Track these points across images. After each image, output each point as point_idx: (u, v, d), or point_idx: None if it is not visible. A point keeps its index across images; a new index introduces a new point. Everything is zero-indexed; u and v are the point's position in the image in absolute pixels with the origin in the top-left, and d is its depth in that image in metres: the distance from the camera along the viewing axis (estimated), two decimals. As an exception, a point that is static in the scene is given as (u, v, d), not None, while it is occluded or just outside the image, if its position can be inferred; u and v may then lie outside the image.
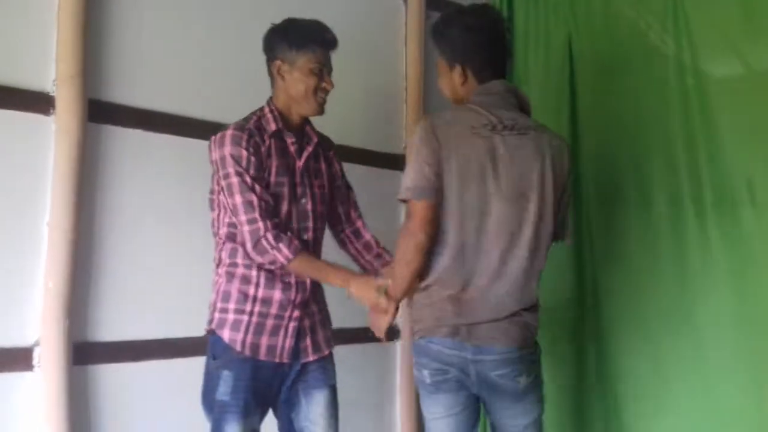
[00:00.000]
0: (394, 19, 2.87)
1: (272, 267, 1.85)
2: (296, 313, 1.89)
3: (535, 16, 3.07)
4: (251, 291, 1.86)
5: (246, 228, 1.80)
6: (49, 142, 1.97)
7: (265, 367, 1.85)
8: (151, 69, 2.20)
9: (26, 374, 1.92)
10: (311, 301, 1.94)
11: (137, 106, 2.16)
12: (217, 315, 1.86)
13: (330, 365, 1.98)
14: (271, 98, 1.96)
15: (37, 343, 1.93)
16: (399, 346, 2.77)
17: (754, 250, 2.34)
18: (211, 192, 1.92)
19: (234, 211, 1.82)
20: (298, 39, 1.92)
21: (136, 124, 2.15)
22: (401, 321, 2.76)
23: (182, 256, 2.23)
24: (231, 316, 1.84)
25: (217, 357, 1.84)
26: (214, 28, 2.35)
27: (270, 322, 1.86)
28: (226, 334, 1.83)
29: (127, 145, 2.14)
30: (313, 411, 1.91)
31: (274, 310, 1.87)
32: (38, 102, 1.96)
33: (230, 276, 1.87)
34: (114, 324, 2.08)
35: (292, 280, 1.89)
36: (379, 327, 1.93)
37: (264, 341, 1.85)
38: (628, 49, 2.73)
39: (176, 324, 2.20)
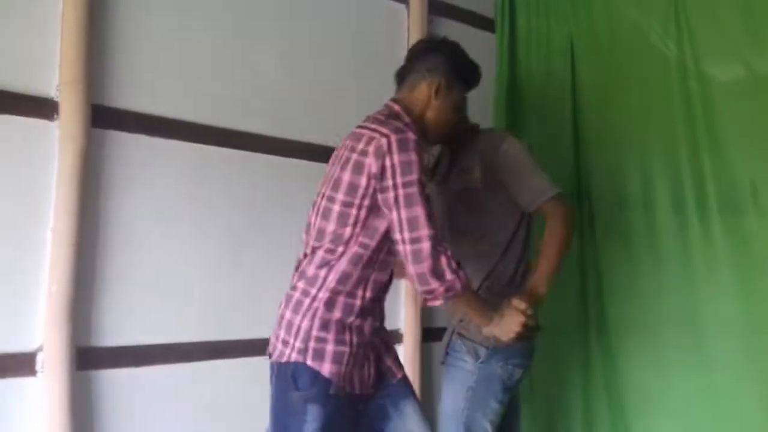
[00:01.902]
0: (395, 23, 2.87)
1: (427, 296, 1.70)
2: (377, 340, 1.83)
3: (537, 18, 3.07)
4: (350, 320, 1.72)
5: (426, 244, 1.63)
6: (52, 147, 1.97)
7: (355, 398, 1.75)
8: (156, 74, 2.20)
9: (29, 379, 1.92)
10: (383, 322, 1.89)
11: (141, 111, 2.16)
12: (312, 345, 1.68)
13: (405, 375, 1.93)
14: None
15: (40, 349, 1.93)
16: (402, 350, 2.77)
17: (758, 253, 2.34)
18: (347, 204, 1.71)
19: (410, 225, 1.64)
20: None
21: (141, 129, 2.15)
22: (403, 325, 2.77)
23: (186, 261, 2.22)
24: (331, 347, 1.69)
25: (303, 389, 1.67)
26: (219, 33, 2.35)
27: (361, 352, 1.76)
28: (326, 368, 1.67)
29: (132, 150, 2.13)
30: (408, 422, 1.84)
31: (365, 338, 1.76)
32: (42, 107, 1.96)
33: (331, 304, 1.71)
34: (118, 329, 2.08)
35: (378, 307, 1.82)
36: (514, 329, 1.85)
37: (356, 373, 1.74)
38: (630, 52, 2.73)
39: (180, 329, 2.20)
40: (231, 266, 2.32)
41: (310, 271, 1.74)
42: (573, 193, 2.82)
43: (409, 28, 2.87)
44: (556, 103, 2.93)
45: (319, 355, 1.68)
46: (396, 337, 2.75)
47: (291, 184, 2.44)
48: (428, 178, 1.83)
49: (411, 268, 1.66)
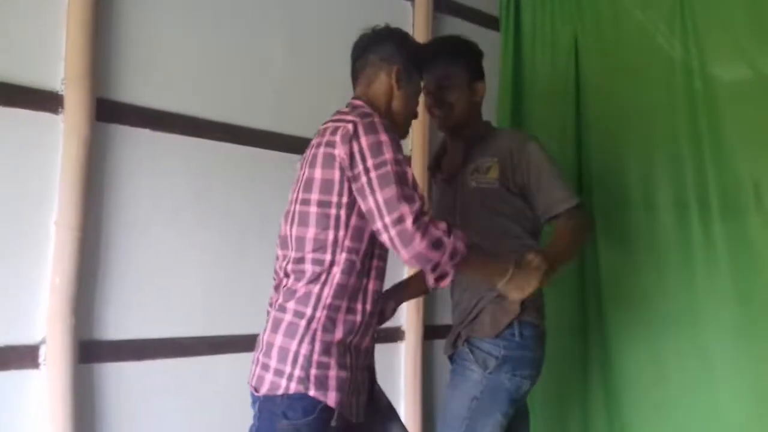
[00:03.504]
0: (400, 21, 2.86)
1: (435, 274, 1.56)
2: (371, 361, 1.71)
3: (542, 16, 3.07)
4: (350, 339, 1.58)
5: (408, 220, 1.46)
6: (57, 141, 1.97)
7: (352, 428, 1.60)
8: (160, 68, 2.20)
9: (32, 372, 1.92)
10: None
11: (146, 105, 2.16)
12: (314, 372, 1.51)
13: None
14: None
15: (43, 341, 1.93)
16: (403, 347, 2.77)
17: (759, 255, 2.33)
18: (324, 204, 1.57)
19: (388, 207, 1.48)
20: None
21: (145, 123, 2.15)
22: (405, 322, 2.77)
23: (189, 255, 2.23)
24: (334, 373, 1.52)
25: (293, 418, 1.50)
26: (223, 27, 2.35)
27: (359, 376, 1.62)
28: (332, 397, 1.51)
29: (136, 144, 2.14)
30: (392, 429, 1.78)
31: (361, 361, 1.63)
32: (47, 101, 1.96)
33: (331, 323, 1.55)
34: (120, 323, 2.09)
35: (373, 323, 1.67)
36: (531, 285, 1.75)
37: (354, 400, 1.59)
38: (635, 51, 2.73)
39: (182, 323, 2.20)
40: (234, 261, 2.32)
41: (300, 288, 1.56)
42: (576, 190, 2.82)
43: (414, 25, 2.87)
44: (560, 102, 2.93)
45: (322, 383, 1.51)
46: (398, 334, 2.76)
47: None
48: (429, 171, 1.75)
49: (405, 254, 1.49)
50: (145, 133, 2.16)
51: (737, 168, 2.39)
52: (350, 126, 1.56)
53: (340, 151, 1.55)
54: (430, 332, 2.80)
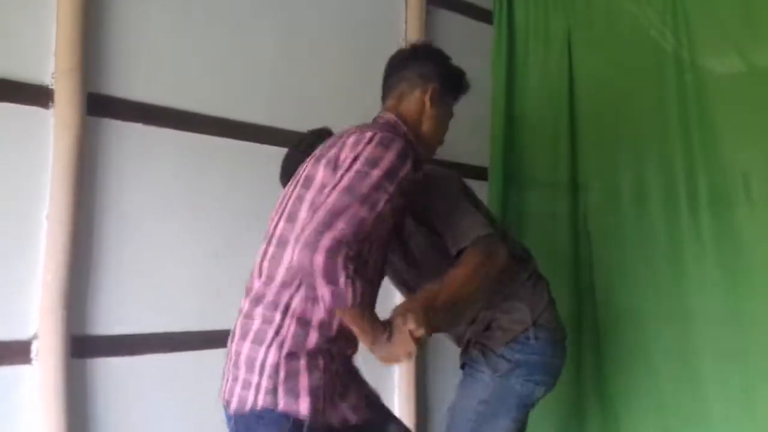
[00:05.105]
0: (394, 14, 2.86)
1: (310, 280, 1.39)
2: (353, 366, 1.65)
3: (535, 10, 3.07)
4: (326, 347, 1.48)
5: (328, 237, 1.32)
6: (48, 135, 1.96)
7: (351, 429, 1.53)
8: (152, 62, 2.19)
9: (24, 367, 1.92)
10: None
11: (137, 99, 2.15)
12: (282, 380, 1.43)
13: None
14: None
15: (35, 336, 1.93)
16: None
17: (748, 246, 2.35)
18: (297, 198, 1.48)
19: (329, 213, 1.35)
20: None
21: (136, 117, 2.14)
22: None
23: (182, 250, 2.22)
24: (305, 378, 1.43)
25: None
26: (215, 21, 2.34)
27: (343, 379, 1.54)
28: (303, 405, 1.42)
29: (127, 138, 2.13)
30: None
31: (344, 366, 1.55)
32: (37, 95, 1.95)
33: (303, 330, 1.44)
34: (113, 317, 2.08)
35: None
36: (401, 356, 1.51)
37: (347, 399, 1.54)
38: (628, 43, 2.74)
39: (175, 318, 2.20)
40: (227, 255, 2.31)
41: (269, 293, 1.46)
42: (569, 184, 2.83)
43: (407, 19, 2.86)
44: (553, 95, 2.93)
45: (292, 391, 1.40)
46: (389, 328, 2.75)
47: (287, 174, 2.44)
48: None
49: (297, 256, 1.34)
50: (137, 127, 2.15)
51: (727, 160, 2.41)
52: (368, 134, 1.47)
53: (344, 154, 1.45)
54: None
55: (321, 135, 1.91)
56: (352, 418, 1.52)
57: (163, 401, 2.16)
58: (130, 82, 2.14)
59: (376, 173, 1.39)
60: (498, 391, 1.88)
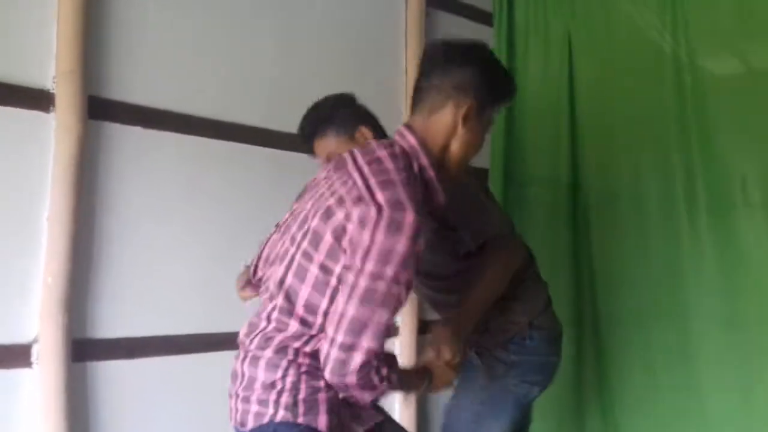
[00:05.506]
0: (394, 15, 2.86)
1: (345, 394, 1.39)
2: None
3: (535, 11, 3.08)
4: None
5: (358, 358, 1.30)
6: (49, 138, 1.96)
7: None
8: (152, 66, 2.19)
9: (25, 371, 1.92)
10: None
11: (137, 103, 2.15)
12: (303, 396, 1.39)
13: None
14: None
15: (35, 340, 1.93)
16: (398, 343, 2.78)
17: (746, 249, 2.36)
18: (327, 271, 1.36)
19: (351, 326, 1.30)
20: None
21: (137, 121, 2.14)
22: (399, 318, 2.77)
23: (182, 252, 2.23)
24: (324, 395, 1.39)
25: None
26: (216, 24, 2.34)
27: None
28: (322, 421, 1.38)
29: (127, 142, 2.13)
30: None
31: None
32: (38, 99, 1.95)
33: (315, 367, 1.38)
34: (113, 321, 2.08)
35: None
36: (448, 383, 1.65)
37: (356, 416, 1.48)
38: (627, 45, 2.75)
39: (176, 321, 2.20)
40: (227, 258, 2.31)
41: (278, 338, 1.39)
42: (568, 185, 2.83)
43: (407, 20, 2.87)
44: (553, 96, 2.94)
45: (311, 407, 1.36)
46: (393, 329, 2.76)
47: (287, 176, 2.43)
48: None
49: (329, 377, 1.32)
50: (137, 130, 2.15)
51: (725, 162, 2.42)
52: (373, 212, 1.30)
53: (352, 231, 1.32)
54: (425, 327, 2.80)
55: (345, 102, 1.93)
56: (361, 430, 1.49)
57: (163, 404, 2.16)
58: (131, 86, 2.15)
59: (390, 272, 1.29)
60: (494, 391, 1.89)
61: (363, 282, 1.29)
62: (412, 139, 1.46)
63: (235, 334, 2.24)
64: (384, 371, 1.34)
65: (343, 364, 1.29)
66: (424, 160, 1.44)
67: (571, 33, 2.93)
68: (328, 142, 1.90)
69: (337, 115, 1.92)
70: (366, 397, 1.37)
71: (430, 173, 1.44)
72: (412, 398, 2.72)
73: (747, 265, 2.34)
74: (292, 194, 2.33)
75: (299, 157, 2.46)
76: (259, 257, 1.81)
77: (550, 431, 2.75)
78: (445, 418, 2.01)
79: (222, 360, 2.26)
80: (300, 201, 1.58)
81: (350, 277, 1.31)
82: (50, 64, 1.98)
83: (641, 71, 2.69)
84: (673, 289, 2.51)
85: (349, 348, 1.29)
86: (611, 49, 2.79)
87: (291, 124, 2.45)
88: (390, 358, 1.39)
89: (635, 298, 2.62)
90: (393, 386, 1.39)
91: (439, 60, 1.51)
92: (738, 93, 2.42)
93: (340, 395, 1.39)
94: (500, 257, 1.78)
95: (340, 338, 1.29)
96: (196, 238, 2.26)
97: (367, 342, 1.29)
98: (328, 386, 1.37)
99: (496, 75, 1.54)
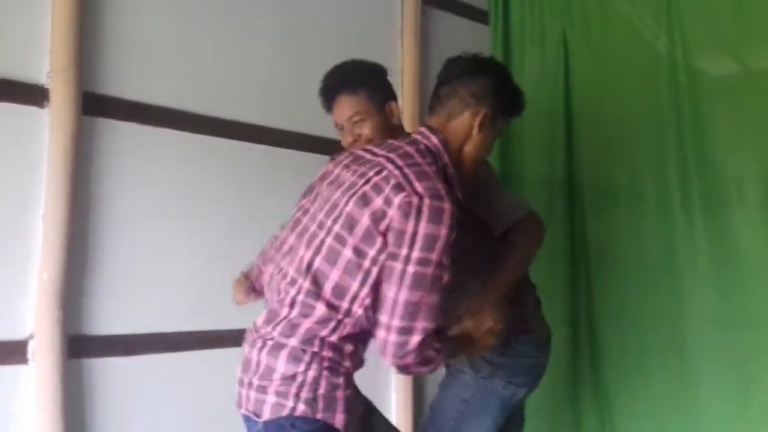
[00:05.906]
0: (390, 13, 2.86)
1: (405, 373, 1.54)
2: None
3: (531, 10, 3.08)
4: (356, 363, 1.51)
5: (416, 338, 1.38)
6: (43, 134, 1.96)
7: None
8: (147, 62, 2.19)
9: (20, 368, 1.91)
10: None
11: (132, 99, 2.15)
12: (323, 393, 1.42)
13: None
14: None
15: (31, 337, 1.92)
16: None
17: (742, 248, 2.36)
18: (361, 254, 1.40)
19: (405, 311, 1.37)
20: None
21: (131, 117, 2.14)
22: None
23: (177, 249, 2.22)
24: (341, 393, 1.43)
25: (301, 428, 1.40)
26: (212, 20, 2.34)
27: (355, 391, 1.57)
28: (339, 419, 1.43)
29: (122, 138, 2.13)
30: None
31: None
32: (32, 94, 1.95)
33: (340, 356, 1.44)
34: (109, 317, 2.08)
35: None
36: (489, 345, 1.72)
37: (356, 416, 1.55)
38: (623, 45, 2.75)
39: (171, 318, 2.19)
40: (223, 255, 2.31)
41: (304, 325, 1.41)
42: (564, 184, 2.84)
43: (403, 18, 2.87)
44: (548, 95, 2.94)
45: (330, 405, 1.40)
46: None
47: (284, 174, 2.44)
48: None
49: (390, 361, 1.40)
50: (132, 126, 2.15)
51: (720, 161, 2.42)
52: (416, 200, 1.38)
53: (394, 217, 1.38)
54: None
55: (380, 69, 1.95)
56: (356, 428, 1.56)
57: (159, 401, 2.16)
58: (125, 82, 2.14)
59: (435, 257, 1.38)
60: (480, 392, 1.88)
61: (412, 268, 1.37)
62: (434, 139, 1.57)
63: (231, 332, 2.27)
64: (437, 345, 1.43)
65: (401, 346, 1.38)
66: (446, 159, 1.56)
67: (567, 32, 2.93)
68: (357, 102, 1.88)
69: (374, 79, 1.94)
70: (423, 370, 1.48)
71: (451, 170, 1.56)
72: (410, 390, 2.72)
73: (742, 264, 2.35)
74: (289, 191, 2.33)
75: (296, 155, 2.48)
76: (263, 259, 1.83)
77: (545, 431, 2.75)
78: (428, 416, 2.00)
79: (218, 357, 2.28)
80: (307, 198, 1.62)
81: (398, 265, 1.38)
82: (45, 60, 1.98)
83: (637, 71, 2.70)
84: (669, 287, 2.52)
85: (407, 331, 1.38)
86: (606, 48, 2.80)
87: (287, 122, 2.47)
88: (440, 331, 1.47)
89: (631, 297, 2.62)
90: (444, 357, 1.49)
91: (459, 70, 1.65)
92: (733, 93, 2.43)
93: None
94: (527, 233, 1.85)
95: (396, 323, 1.38)
96: (192, 235, 2.25)
97: (421, 323, 1.38)
98: (346, 384, 1.44)
99: (508, 86, 1.70)
